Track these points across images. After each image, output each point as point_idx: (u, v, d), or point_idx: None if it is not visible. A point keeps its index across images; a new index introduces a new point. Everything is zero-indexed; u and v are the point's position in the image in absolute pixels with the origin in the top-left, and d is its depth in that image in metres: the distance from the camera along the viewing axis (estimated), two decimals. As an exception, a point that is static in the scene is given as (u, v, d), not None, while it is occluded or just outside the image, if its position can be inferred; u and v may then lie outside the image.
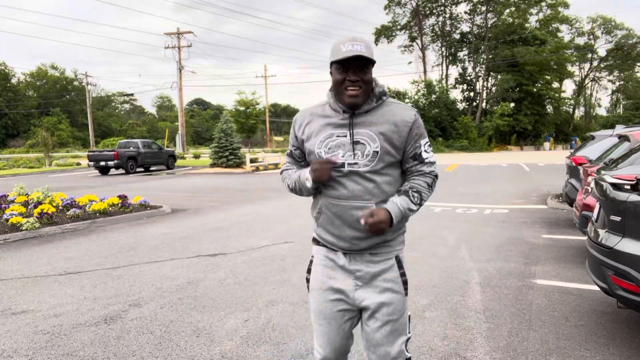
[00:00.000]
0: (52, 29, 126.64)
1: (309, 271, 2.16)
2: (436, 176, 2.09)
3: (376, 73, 1.99)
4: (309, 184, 2.00)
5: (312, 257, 2.16)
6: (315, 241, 2.14)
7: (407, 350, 2.05)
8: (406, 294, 2.06)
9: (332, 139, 1.98)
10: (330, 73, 1.99)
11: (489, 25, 57.81)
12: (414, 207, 2.00)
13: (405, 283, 2.06)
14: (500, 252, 6.14)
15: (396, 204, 1.95)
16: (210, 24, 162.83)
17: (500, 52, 54.66)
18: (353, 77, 1.90)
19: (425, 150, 2.03)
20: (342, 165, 1.96)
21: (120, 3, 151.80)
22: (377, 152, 1.94)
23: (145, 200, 10.39)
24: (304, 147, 2.09)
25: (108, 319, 4.02)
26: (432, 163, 2.06)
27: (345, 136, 1.97)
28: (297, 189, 2.10)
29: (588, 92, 77.82)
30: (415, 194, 2.00)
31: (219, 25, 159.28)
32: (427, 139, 2.07)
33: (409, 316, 2.10)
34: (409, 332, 2.08)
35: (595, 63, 71.84)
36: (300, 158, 2.16)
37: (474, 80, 61.54)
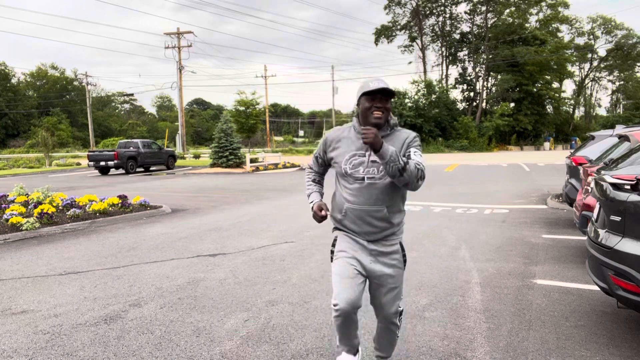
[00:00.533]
0: (52, 29, 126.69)
1: (333, 245, 2.81)
2: (422, 170, 2.54)
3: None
4: (310, 207, 2.80)
5: (336, 237, 2.80)
6: (338, 229, 2.79)
7: (399, 306, 2.84)
8: (404, 268, 2.80)
9: (355, 157, 2.63)
10: (358, 105, 2.62)
11: (489, 25, 57.74)
12: (400, 162, 2.44)
13: (404, 262, 2.79)
14: (500, 252, 6.14)
15: (391, 146, 2.47)
16: (210, 24, 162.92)
17: (500, 52, 54.59)
18: (379, 104, 2.54)
19: (414, 153, 2.59)
20: (362, 179, 2.60)
21: (120, 3, 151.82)
22: None
23: (145, 200, 10.39)
24: (327, 157, 2.78)
25: (108, 319, 4.02)
26: (419, 162, 2.54)
27: (364, 156, 2.61)
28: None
29: (588, 92, 77.79)
30: (405, 159, 2.49)
31: (220, 25, 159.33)
32: (418, 150, 2.63)
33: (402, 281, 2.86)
34: (401, 295, 2.85)
35: (595, 63, 71.80)
36: (321, 164, 2.90)
37: (474, 80, 61.47)
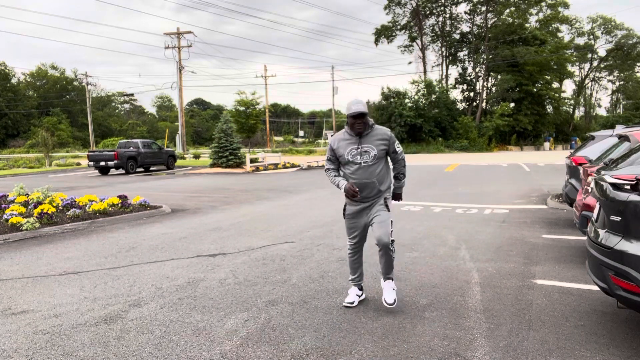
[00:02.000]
0: (53, 29, 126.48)
1: (344, 209, 4.24)
2: (404, 160, 4.31)
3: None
4: (341, 190, 4.11)
5: (345, 203, 4.23)
6: (347, 197, 4.17)
7: (391, 235, 4.07)
8: (389, 211, 4.13)
9: (351, 150, 4.05)
10: (347, 118, 4.03)
11: (489, 25, 57.72)
12: (403, 182, 4.40)
13: (387, 207, 4.14)
14: (500, 252, 6.13)
15: (397, 187, 4.41)
16: (211, 25, 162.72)
17: (500, 52, 54.56)
18: (358, 121, 3.97)
19: (397, 147, 4.19)
20: (360, 164, 4.02)
21: (121, 4, 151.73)
22: (375, 155, 4.04)
23: (145, 200, 10.39)
24: (336, 154, 4.15)
25: (108, 319, 4.02)
26: (401, 152, 4.25)
27: (358, 149, 4.03)
28: (333, 185, 4.21)
29: (588, 92, 77.78)
30: (401, 175, 4.37)
31: (220, 26, 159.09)
32: (397, 141, 4.21)
33: (392, 221, 4.11)
34: (392, 228, 4.10)
35: (595, 63, 71.79)
36: (334, 161, 4.21)
37: (474, 80, 61.44)
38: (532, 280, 4.90)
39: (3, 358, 3.33)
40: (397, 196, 4.41)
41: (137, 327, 3.83)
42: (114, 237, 7.57)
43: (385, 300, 4.08)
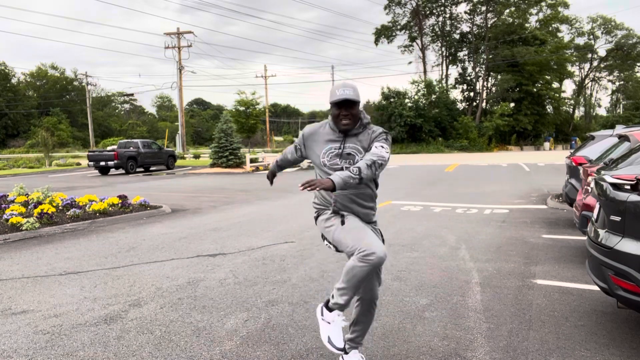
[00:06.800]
0: (56, 30, 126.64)
1: (316, 218, 2.95)
2: (375, 162, 2.61)
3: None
4: (276, 171, 3.35)
5: (318, 212, 2.96)
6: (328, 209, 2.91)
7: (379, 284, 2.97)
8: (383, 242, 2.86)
9: (331, 150, 2.82)
10: (330, 108, 2.79)
11: (489, 25, 57.69)
12: (355, 177, 2.55)
13: (381, 234, 2.97)
14: (500, 252, 6.13)
15: (338, 175, 2.54)
16: (213, 25, 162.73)
17: (500, 52, 54.54)
18: (345, 112, 2.73)
19: (375, 147, 2.69)
20: (342, 169, 2.75)
21: (124, 5, 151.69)
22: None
23: (145, 200, 10.39)
24: (304, 148, 2.98)
25: (108, 319, 4.02)
26: (381, 156, 2.64)
27: (339, 149, 2.80)
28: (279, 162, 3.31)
29: (588, 92, 77.75)
30: (355, 169, 2.57)
31: (222, 26, 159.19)
32: (383, 144, 2.72)
33: None
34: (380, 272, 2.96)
35: (595, 63, 71.76)
36: (299, 155, 3.07)
37: (474, 80, 61.40)
38: (532, 280, 4.90)
39: (3, 358, 3.33)
40: (329, 182, 2.50)
41: (137, 327, 3.83)
42: (114, 237, 7.57)
43: None
